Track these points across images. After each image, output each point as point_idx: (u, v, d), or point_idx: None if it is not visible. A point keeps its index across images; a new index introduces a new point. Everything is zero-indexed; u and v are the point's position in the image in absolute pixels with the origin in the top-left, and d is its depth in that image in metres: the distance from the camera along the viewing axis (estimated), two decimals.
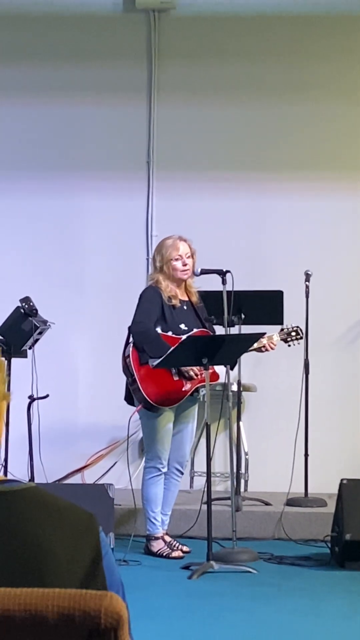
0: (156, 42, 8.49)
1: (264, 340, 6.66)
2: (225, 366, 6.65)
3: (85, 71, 8.46)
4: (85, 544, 1.85)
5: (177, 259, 6.51)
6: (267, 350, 6.70)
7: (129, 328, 6.52)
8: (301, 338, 6.99)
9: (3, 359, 2.04)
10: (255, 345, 6.61)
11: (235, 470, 7.18)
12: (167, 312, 6.49)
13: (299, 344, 7.02)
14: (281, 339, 6.84)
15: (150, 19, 8.48)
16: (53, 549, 1.82)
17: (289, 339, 6.90)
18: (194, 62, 8.46)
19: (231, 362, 6.65)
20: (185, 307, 6.59)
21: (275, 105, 8.44)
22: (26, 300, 7.11)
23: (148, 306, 6.48)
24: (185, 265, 6.52)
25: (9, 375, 7.13)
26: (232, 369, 6.85)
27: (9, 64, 8.45)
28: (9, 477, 2.55)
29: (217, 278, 6.51)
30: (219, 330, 6.70)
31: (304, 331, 7.07)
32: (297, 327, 6.95)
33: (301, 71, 8.44)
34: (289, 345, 6.95)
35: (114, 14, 8.51)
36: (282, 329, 6.91)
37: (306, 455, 7.54)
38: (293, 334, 6.91)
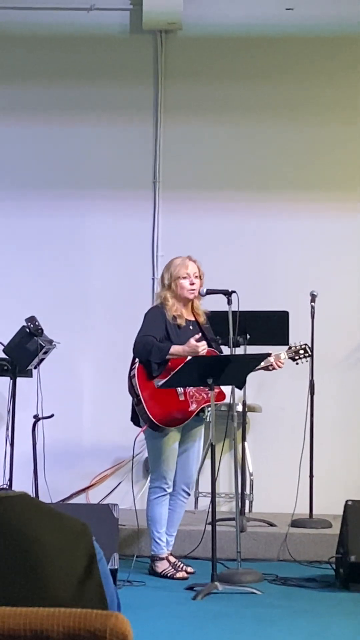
0: (163, 62, 8.52)
1: (271, 359, 6.65)
2: (233, 386, 6.64)
3: (92, 91, 8.50)
4: (80, 546, 1.88)
5: (184, 277, 6.51)
6: (274, 368, 6.69)
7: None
8: (309, 356, 7.00)
9: None
10: (263, 364, 6.60)
11: (240, 491, 7.16)
12: (172, 331, 6.47)
13: (307, 361, 7.02)
14: (289, 357, 6.84)
15: (157, 39, 8.51)
16: (50, 549, 1.84)
17: (297, 357, 6.90)
18: (200, 82, 8.49)
19: (237, 383, 6.61)
20: (191, 327, 6.58)
21: (281, 125, 8.45)
22: (32, 319, 7.11)
23: (152, 324, 6.48)
24: (192, 284, 6.52)
25: (13, 394, 7.13)
26: (240, 388, 6.84)
27: (17, 84, 8.48)
28: None
29: (222, 298, 6.51)
30: (225, 350, 6.69)
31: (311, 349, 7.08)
32: (306, 344, 6.96)
33: (308, 92, 8.45)
34: (297, 364, 6.95)
35: (121, 35, 8.54)
36: (289, 347, 6.91)
37: (311, 476, 7.51)
38: (301, 352, 6.91)
